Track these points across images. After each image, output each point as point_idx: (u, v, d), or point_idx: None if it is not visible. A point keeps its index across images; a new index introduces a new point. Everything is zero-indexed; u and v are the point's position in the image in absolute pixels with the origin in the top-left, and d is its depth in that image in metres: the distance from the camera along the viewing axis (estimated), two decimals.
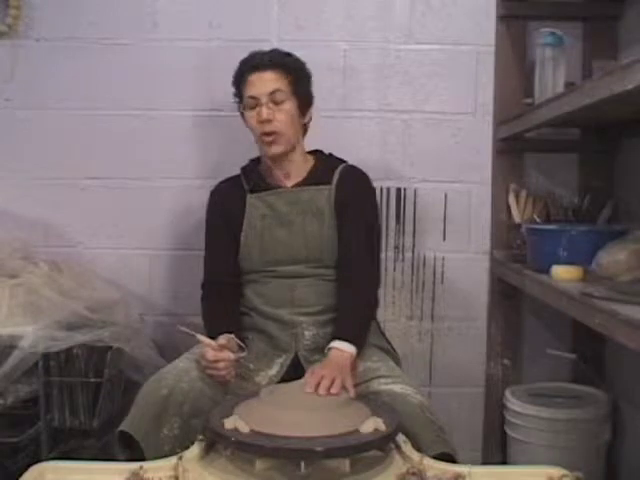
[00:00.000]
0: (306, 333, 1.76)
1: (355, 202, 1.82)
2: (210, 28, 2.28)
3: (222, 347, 1.61)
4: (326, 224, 1.80)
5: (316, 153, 1.93)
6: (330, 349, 1.64)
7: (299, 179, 1.86)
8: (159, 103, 2.26)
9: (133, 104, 2.29)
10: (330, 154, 1.95)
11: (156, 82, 2.28)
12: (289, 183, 1.85)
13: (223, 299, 1.81)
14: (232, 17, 2.28)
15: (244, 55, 2.24)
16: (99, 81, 2.28)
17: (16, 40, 2.27)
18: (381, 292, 1.94)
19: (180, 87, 2.28)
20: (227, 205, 1.87)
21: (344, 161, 1.92)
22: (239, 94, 1.85)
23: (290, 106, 1.79)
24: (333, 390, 1.48)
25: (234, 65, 2.25)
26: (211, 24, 2.28)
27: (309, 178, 1.86)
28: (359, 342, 1.68)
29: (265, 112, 1.76)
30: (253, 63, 1.81)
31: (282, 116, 1.78)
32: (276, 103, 1.77)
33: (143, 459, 1.50)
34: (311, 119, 1.89)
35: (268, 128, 1.77)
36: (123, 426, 1.54)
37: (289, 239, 1.80)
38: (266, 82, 1.78)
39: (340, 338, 1.66)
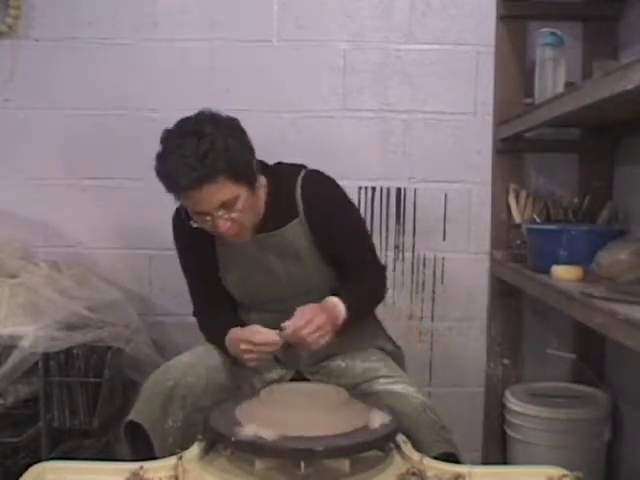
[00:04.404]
0: (303, 354, 1.72)
1: (334, 221, 1.65)
2: (210, 28, 2.28)
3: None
4: (307, 265, 1.67)
5: (263, 170, 1.67)
6: (327, 300, 1.56)
7: (260, 216, 1.66)
8: (159, 103, 2.26)
9: (133, 104, 2.29)
10: (279, 164, 1.73)
11: (156, 82, 2.28)
12: None
13: (223, 316, 1.70)
14: (232, 17, 2.28)
15: (244, 55, 2.28)
16: (99, 81, 2.28)
17: (16, 40, 2.27)
18: None
19: (180, 87, 2.28)
20: (194, 243, 1.70)
21: (297, 168, 1.70)
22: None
23: (244, 200, 1.54)
24: (317, 334, 1.46)
25: (235, 65, 2.28)
26: (211, 24, 2.28)
27: (271, 212, 1.66)
28: (352, 313, 1.57)
29: (221, 225, 1.54)
30: (184, 184, 1.48)
31: (240, 215, 1.55)
32: (228, 208, 1.53)
33: (149, 450, 1.51)
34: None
35: (229, 233, 1.57)
36: (131, 416, 1.55)
37: (272, 283, 1.68)
38: (210, 198, 1.50)
39: (338, 297, 1.57)
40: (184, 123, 1.54)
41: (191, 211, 1.57)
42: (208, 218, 1.55)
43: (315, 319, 1.49)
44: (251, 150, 1.59)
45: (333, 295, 1.59)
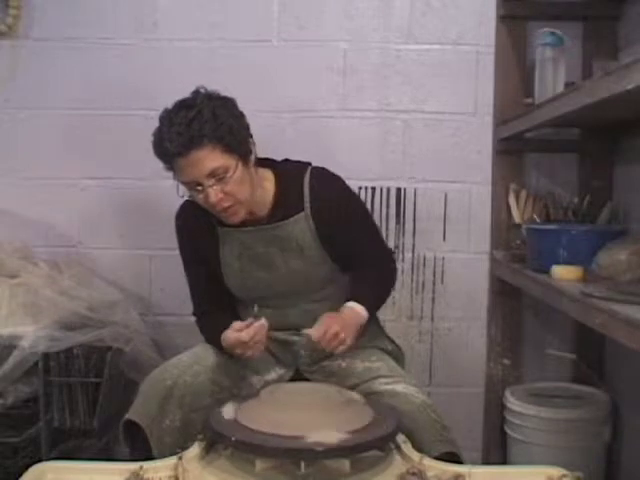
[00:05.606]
0: (303, 352, 1.73)
1: (340, 217, 1.67)
2: (210, 28, 2.28)
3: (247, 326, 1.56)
4: (310, 260, 1.67)
5: (270, 165, 1.72)
6: (344, 307, 1.62)
7: (266, 210, 1.68)
8: (159, 103, 2.24)
9: (133, 104, 2.29)
10: (286, 161, 1.75)
11: (156, 82, 2.28)
12: (257, 214, 1.68)
13: (222, 316, 1.70)
14: (232, 17, 2.28)
15: (244, 55, 2.28)
16: (99, 81, 2.28)
17: (16, 40, 2.27)
18: None
19: (180, 87, 2.27)
20: (197, 238, 1.73)
21: (304, 164, 1.73)
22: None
23: (235, 171, 1.55)
24: (334, 343, 1.53)
25: (235, 65, 2.28)
26: (211, 24, 2.28)
27: (278, 205, 1.68)
28: (372, 309, 1.67)
29: (212, 195, 1.54)
30: (172, 150, 1.52)
31: (232, 187, 1.55)
32: (220, 179, 1.54)
33: (146, 450, 1.51)
34: (255, 147, 1.64)
35: (221, 206, 1.57)
36: (128, 415, 1.55)
37: (272, 280, 1.68)
38: (198, 165, 1.52)
39: (355, 301, 1.63)
40: (180, 100, 1.61)
41: (183, 183, 1.59)
42: (199, 188, 1.56)
43: (329, 330, 1.53)
44: (245, 127, 1.62)
45: (351, 299, 1.63)
